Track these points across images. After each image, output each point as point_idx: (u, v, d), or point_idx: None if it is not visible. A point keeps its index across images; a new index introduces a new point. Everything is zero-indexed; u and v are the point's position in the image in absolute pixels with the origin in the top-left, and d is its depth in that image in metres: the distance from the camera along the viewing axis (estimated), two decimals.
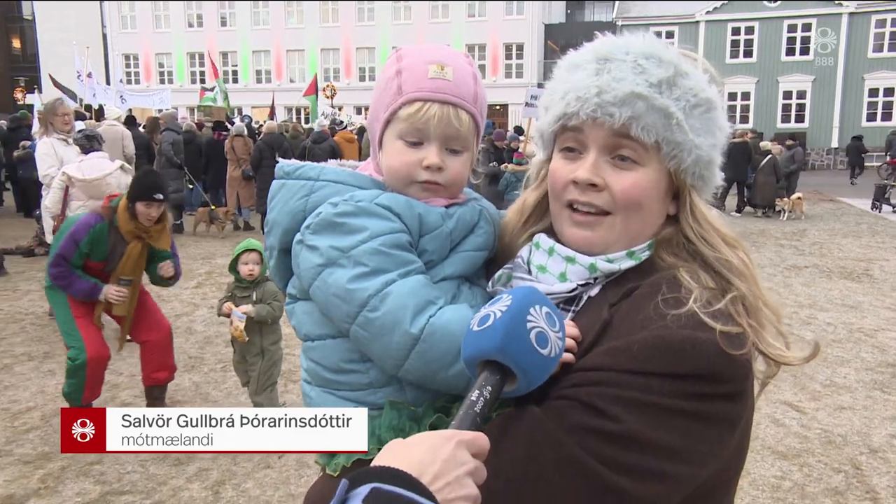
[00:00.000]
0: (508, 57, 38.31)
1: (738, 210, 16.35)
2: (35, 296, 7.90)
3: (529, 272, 1.15)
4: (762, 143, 16.82)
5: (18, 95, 33.40)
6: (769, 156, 15.66)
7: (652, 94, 1.04)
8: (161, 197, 4.41)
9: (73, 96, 17.61)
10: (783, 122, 34.06)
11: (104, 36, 43.71)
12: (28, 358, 5.87)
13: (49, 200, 5.93)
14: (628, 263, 1.08)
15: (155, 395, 4.68)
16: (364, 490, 0.68)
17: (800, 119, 34.07)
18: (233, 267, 4.50)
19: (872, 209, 16.69)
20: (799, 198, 15.47)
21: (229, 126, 14.61)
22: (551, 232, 1.16)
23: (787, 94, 34.40)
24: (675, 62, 1.07)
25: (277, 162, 1.24)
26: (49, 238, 6.32)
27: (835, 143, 33.73)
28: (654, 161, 1.07)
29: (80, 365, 4.26)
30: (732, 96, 34.94)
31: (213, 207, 12.10)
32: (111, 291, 4.39)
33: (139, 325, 4.69)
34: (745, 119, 33.67)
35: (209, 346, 6.16)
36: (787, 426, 4.71)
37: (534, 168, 1.23)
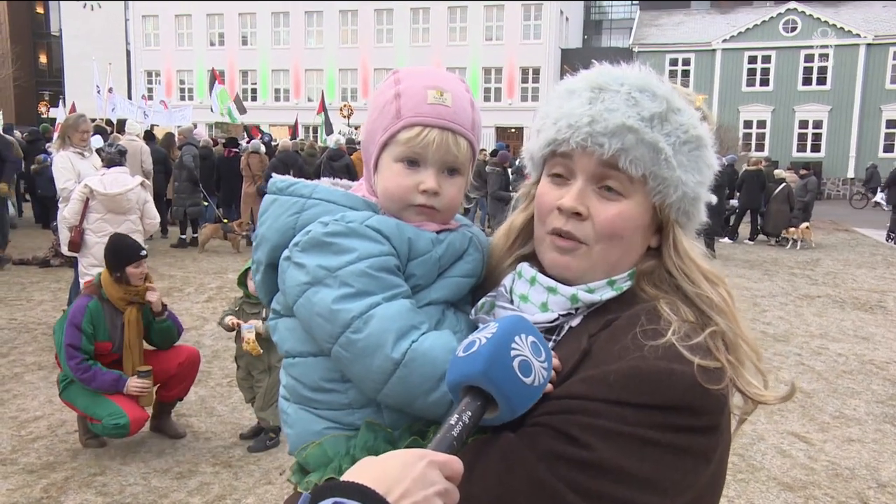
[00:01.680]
0: (525, 80, 38.56)
1: (751, 238, 16.25)
2: (48, 306, 7.99)
3: (512, 301, 1.15)
4: (776, 172, 16.79)
5: (42, 109, 33.97)
6: (783, 184, 15.60)
7: (643, 128, 1.04)
8: (145, 252, 4.52)
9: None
10: (799, 150, 34.01)
11: (128, 53, 44.47)
12: (38, 367, 5.93)
13: (68, 211, 6.00)
14: (609, 293, 1.08)
15: (165, 409, 4.70)
16: None
17: (815, 148, 34.01)
18: (242, 281, 4.53)
19: (888, 240, 16.54)
20: (807, 227, 15.34)
21: (242, 143, 14.76)
22: (535, 259, 1.17)
23: (804, 124, 34.37)
24: (668, 97, 1.08)
25: None
26: (65, 249, 6.41)
27: (851, 174, 33.58)
28: (640, 194, 1.08)
29: (122, 428, 4.17)
30: (748, 124, 34.97)
31: (225, 221, 12.17)
32: (133, 384, 4.31)
33: (165, 357, 4.65)
34: (760, 147, 33.65)
35: (216, 361, 6.19)
36: (793, 457, 4.65)
37: (522, 190, 1.24)
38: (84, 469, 4.16)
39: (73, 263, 6.79)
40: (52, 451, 4.38)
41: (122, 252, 4.45)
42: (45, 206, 12.86)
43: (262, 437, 4.54)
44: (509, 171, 13.55)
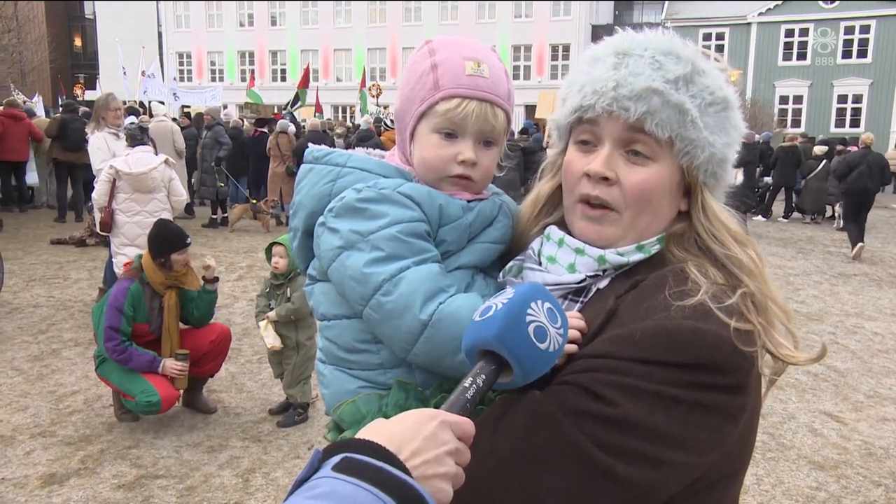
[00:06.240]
0: (554, 58, 38.09)
1: (786, 216, 15.92)
2: (84, 284, 8.17)
3: (540, 263, 1.16)
4: (816, 148, 16.36)
5: (78, 91, 34.49)
6: (823, 161, 15.22)
7: (668, 90, 1.04)
8: (190, 240, 4.60)
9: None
10: (837, 126, 33.05)
11: (160, 35, 44.89)
12: (75, 343, 6.08)
13: (96, 192, 6.11)
14: (637, 256, 1.09)
15: (196, 385, 4.78)
16: (336, 458, 0.70)
17: (855, 124, 33.02)
18: (269, 256, 4.60)
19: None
20: None
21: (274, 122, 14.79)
22: (563, 224, 1.17)
23: (842, 98, 33.39)
24: (693, 59, 1.07)
25: None
26: (98, 229, 6.54)
27: (892, 149, 32.62)
28: (668, 157, 1.07)
29: (154, 406, 4.26)
30: (784, 100, 34.12)
31: (254, 202, 12.26)
32: (170, 366, 4.39)
33: (197, 335, 4.75)
34: (796, 123, 32.81)
35: (246, 338, 6.28)
36: (825, 436, 4.58)
37: (549, 159, 1.24)
38: (119, 442, 4.27)
39: (107, 243, 6.93)
40: (89, 425, 4.51)
41: (166, 239, 4.51)
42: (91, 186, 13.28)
43: (291, 412, 4.61)
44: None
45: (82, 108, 14.77)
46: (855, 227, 11.28)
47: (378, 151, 1.30)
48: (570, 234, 1.14)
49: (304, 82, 21.36)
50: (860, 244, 11.08)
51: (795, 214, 16.01)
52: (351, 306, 1.13)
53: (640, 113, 1.04)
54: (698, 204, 1.11)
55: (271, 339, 4.49)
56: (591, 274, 1.10)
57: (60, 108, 16.17)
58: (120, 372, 4.37)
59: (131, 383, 4.33)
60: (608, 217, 1.09)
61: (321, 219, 1.15)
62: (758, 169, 15.08)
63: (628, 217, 1.08)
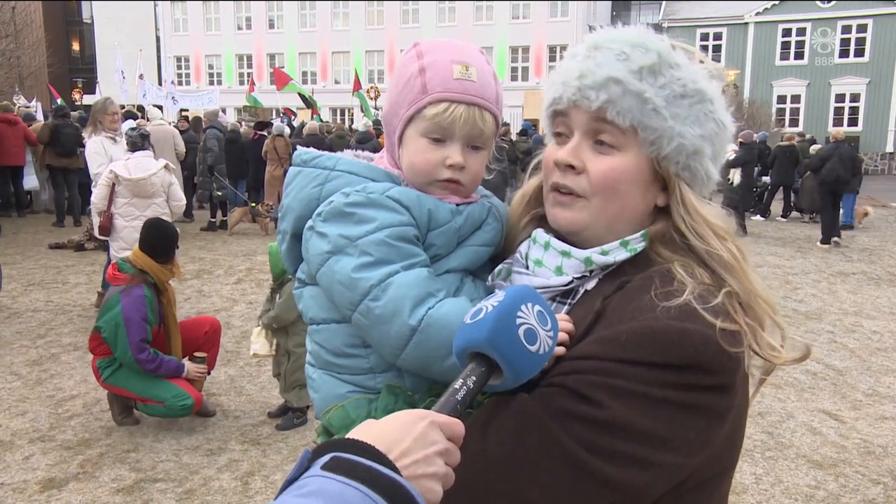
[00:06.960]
0: (552, 59, 38.05)
1: (784, 215, 15.92)
2: (83, 289, 8.17)
3: (527, 267, 1.17)
4: (813, 147, 16.37)
5: (76, 96, 34.45)
6: None
7: (629, 79, 1.05)
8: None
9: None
10: (835, 125, 33.00)
11: (157, 38, 44.90)
12: (74, 348, 6.07)
13: (95, 196, 6.13)
14: (623, 255, 1.09)
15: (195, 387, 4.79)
16: (325, 458, 0.70)
17: (853, 122, 33.04)
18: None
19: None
20: (866, 213, 14.74)
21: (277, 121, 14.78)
22: (548, 224, 1.18)
23: (840, 97, 33.41)
24: (660, 51, 1.08)
25: None
26: (97, 233, 6.54)
27: (890, 148, 32.69)
28: (633, 147, 1.08)
29: (188, 408, 4.37)
30: (781, 99, 34.12)
31: (253, 204, 12.25)
32: (193, 369, 4.53)
33: (190, 328, 4.85)
34: (794, 123, 32.82)
35: (245, 341, 6.26)
36: (824, 435, 4.59)
37: (540, 155, 1.25)
38: (118, 446, 4.27)
39: (106, 247, 6.94)
40: (88, 429, 4.51)
41: (169, 238, 4.60)
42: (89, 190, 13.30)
43: (290, 415, 4.62)
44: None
45: (78, 112, 14.85)
46: (830, 216, 12.20)
47: (367, 154, 1.30)
48: (556, 236, 1.15)
49: (284, 79, 21.32)
50: (835, 239, 11.93)
51: (794, 213, 16.01)
52: (340, 311, 1.12)
53: (601, 101, 1.05)
54: (676, 197, 1.10)
55: (256, 347, 4.56)
56: (578, 276, 1.10)
57: (51, 113, 16.21)
58: (142, 380, 4.39)
59: (158, 389, 4.37)
60: (577, 203, 1.10)
61: (310, 223, 1.14)
62: (756, 168, 15.08)
63: (596, 204, 1.09)
